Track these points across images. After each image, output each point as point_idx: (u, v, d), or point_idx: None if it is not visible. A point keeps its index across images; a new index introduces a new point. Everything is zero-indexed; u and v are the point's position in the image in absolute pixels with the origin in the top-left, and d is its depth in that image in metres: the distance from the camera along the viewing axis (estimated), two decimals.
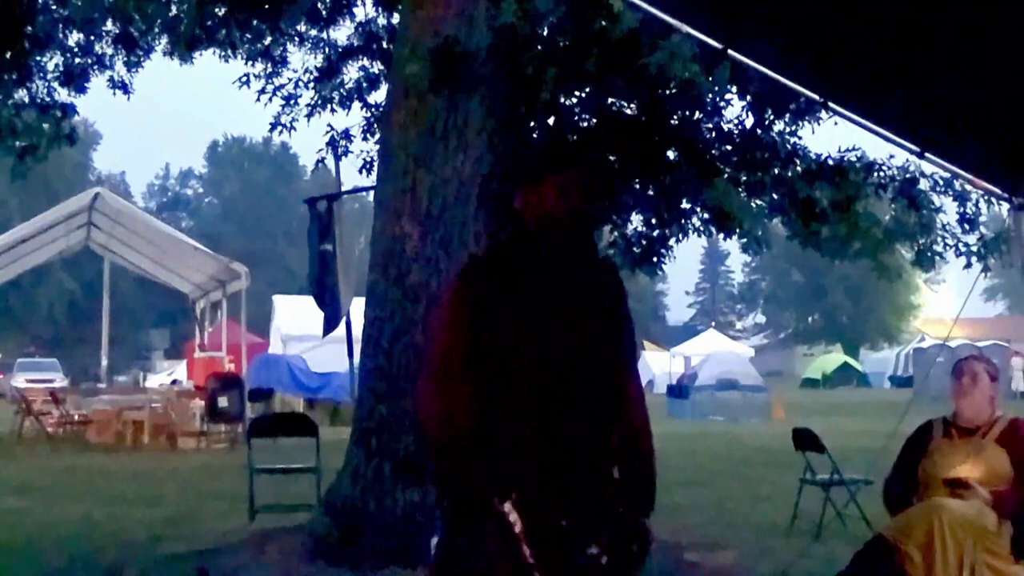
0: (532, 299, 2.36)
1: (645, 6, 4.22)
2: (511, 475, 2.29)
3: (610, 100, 7.96)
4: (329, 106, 9.33)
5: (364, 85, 9.33)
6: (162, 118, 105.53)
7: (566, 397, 2.32)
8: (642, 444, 2.51)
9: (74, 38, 9.04)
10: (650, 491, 2.52)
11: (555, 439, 2.30)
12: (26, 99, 8.93)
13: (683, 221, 8.34)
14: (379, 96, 9.12)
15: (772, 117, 7.82)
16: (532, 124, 7.62)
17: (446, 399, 2.37)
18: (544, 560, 2.22)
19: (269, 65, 9.54)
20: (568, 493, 2.28)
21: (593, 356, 2.36)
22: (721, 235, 8.21)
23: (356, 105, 9.31)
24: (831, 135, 7.58)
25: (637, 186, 8.19)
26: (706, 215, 8.10)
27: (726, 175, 7.58)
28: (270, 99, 9.45)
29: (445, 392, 2.37)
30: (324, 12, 9.30)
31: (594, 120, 8.05)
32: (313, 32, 9.47)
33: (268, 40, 9.33)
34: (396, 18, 8.36)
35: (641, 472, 2.49)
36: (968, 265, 7.64)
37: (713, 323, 58.81)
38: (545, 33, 7.17)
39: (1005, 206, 5.05)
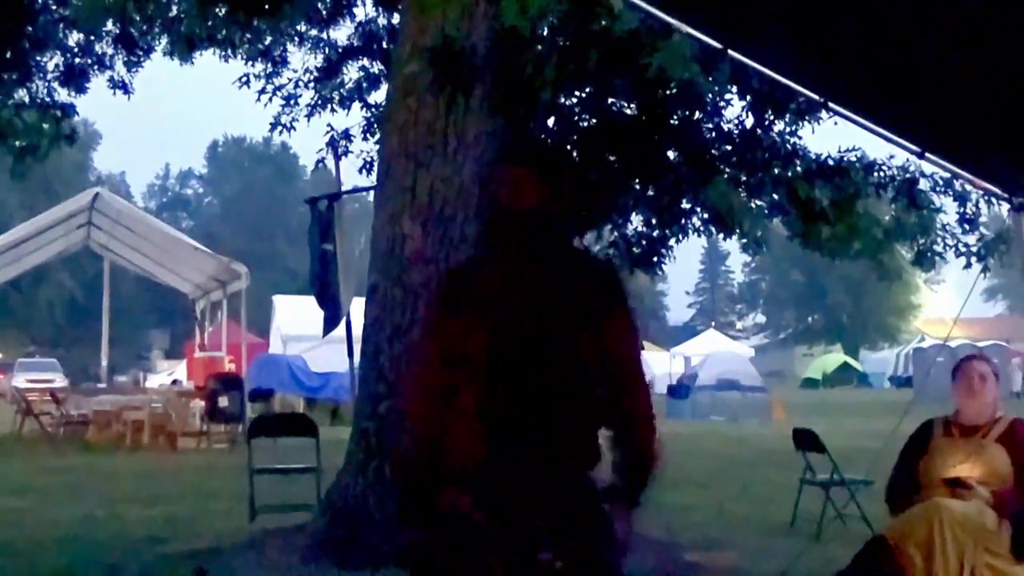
0: (490, 297, 2.33)
1: (645, 6, 4.22)
2: (473, 477, 2.27)
3: (610, 100, 7.96)
4: (329, 106, 9.35)
5: (364, 85, 9.34)
6: (162, 118, 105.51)
7: (524, 398, 2.27)
8: (637, 434, 2.43)
9: (74, 38, 9.05)
10: (637, 481, 2.42)
11: (515, 440, 2.26)
12: (26, 99, 8.94)
13: (683, 221, 8.34)
14: (379, 96, 9.14)
15: (772, 117, 7.82)
16: (532, 124, 7.62)
17: (425, 407, 2.39)
18: (504, 561, 2.20)
19: (269, 65, 9.55)
20: (529, 496, 2.24)
21: (559, 354, 2.29)
22: (721, 235, 8.22)
23: (356, 105, 9.33)
24: (831, 135, 7.59)
25: (637, 186, 8.20)
26: (706, 215, 8.10)
27: (726, 175, 7.58)
28: (270, 99, 9.46)
29: (424, 400, 2.40)
30: (324, 12, 9.31)
31: (594, 120, 8.05)
32: (313, 32, 9.49)
33: (268, 40, 9.34)
34: (396, 18, 8.37)
35: (631, 462, 2.41)
36: (968, 265, 7.65)
37: (713, 323, 58.80)
38: (545, 33, 7.17)
39: (1005, 206, 5.05)
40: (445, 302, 2.43)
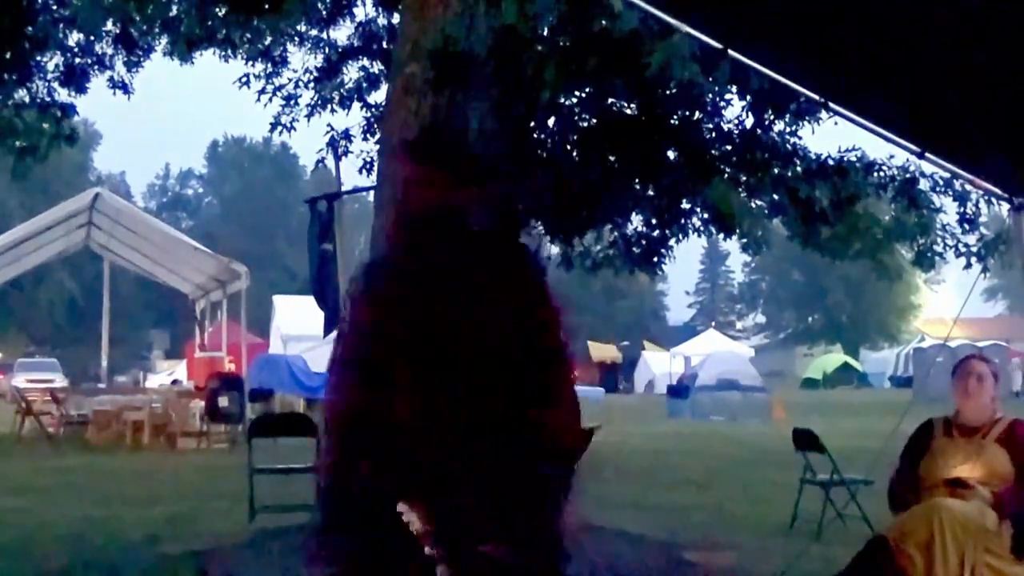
0: (410, 293, 2.33)
1: (645, 6, 4.22)
2: (409, 475, 2.26)
3: (610, 100, 7.96)
4: (329, 106, 9.35)
5: (364, 85, 9.33)
6: (162, 118, 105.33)
7: (453, 392, 2.26)
8: (555, 415, 2.37)
9: (74, 38, 9.05)
10: (559, 463, 2.37)
11: (449, 436, 2.25)
12: (26, 99, 8.94)
13: (683, 221, 8.35)
14: (379, 96, 9.14)
15: (772, 117, 7.82)
16: (532, 124, 7.63)
17: (349, 402, 2.39)
18: (449, 555, 2.20)
19: (269, 65, 9.55)
20: (466, 490, 2.23)
21: (484, 342, 2.28)
22: (721, 235, 8.22)
23: (356, 105, 9.33)
24: (831, 135, 7.59)
25: (637, 186, 8.20)
26: (706, 215, 8.10)
27: (726, 175, 7.58)
28: (270, 99, 9.46)
29: (349, 395, 2.39)
30: (324, 12, 9.31)
31: (594, 120, 8.06)
32: (313, 32, 9.48)
33: (268, 40, 9.33)
34: (396, 18, 8.37)
35: (550, 444, 2.35)
36: (968, 265, 7.65)
37: (713, 323, 58.83)
38: (545, 33, 7.17)
39: (1005, 206, 5.05)
40: (365, 302, 2.41)
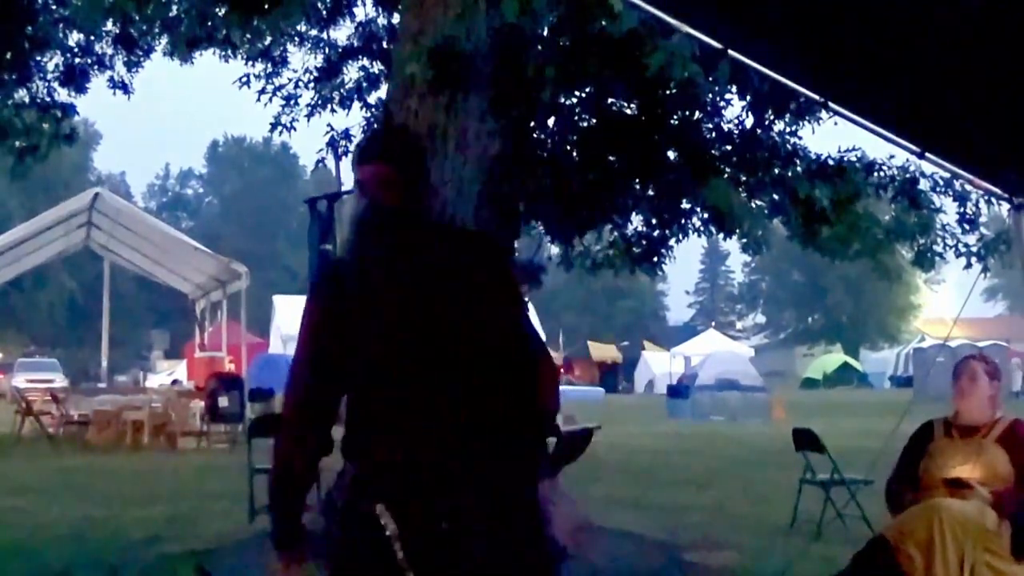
0: (363, 292, 2.32)
1: (645, 6, 4.21)
2: (382, 477, 2.26)
3: (610, 100, 7.96)
4: (329, 106, 9.33)
5: (364, 85, 9.32)
6: (162, 118, 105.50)
7: (416, 389, 2.26)
8: (524, 406, 2.36)
9: (74, 38, 9.05)
10: (520, 458, 2.35)
11: (418, 433, 2.25)
12: (26, 99, 8.94)
13: (683, 221, 8.34)
14: (379, 96, 9.13)
15: (772, 117, 7.82)
16: (532, 124, 7.62)
17: (305, 407, 2.41)
18: (417, 561, 2.19)
19: (269, 65, 9.54)
20: (440, 490, 2.22)
21: (448, 335, 2.28)
22: (721, 235, 8.21)
23: (356, 105, 9.32)
24: (831, 135, 7.59)
25: (637, 186, 8.20)
26: (706, 215, 8.10)
27: (726, 175, 7.58)
28: (270, 99, 9.45)
29: (305, 400, 2.41)
30: (324, 12, 9.30)
31: (594, 120, 8.05)
32: (313, 32, 9.47)
33: (268, 40, 9.33)
34: (396, 18, 8.36)
35: (520, 434, 2.35)
36: (968, 265, 7.65)
37: (713, 323, 58.85)
38: (545, 33, 7.17)
39: (1005, 206, 5.05)
40: (322, 303, 2.39)
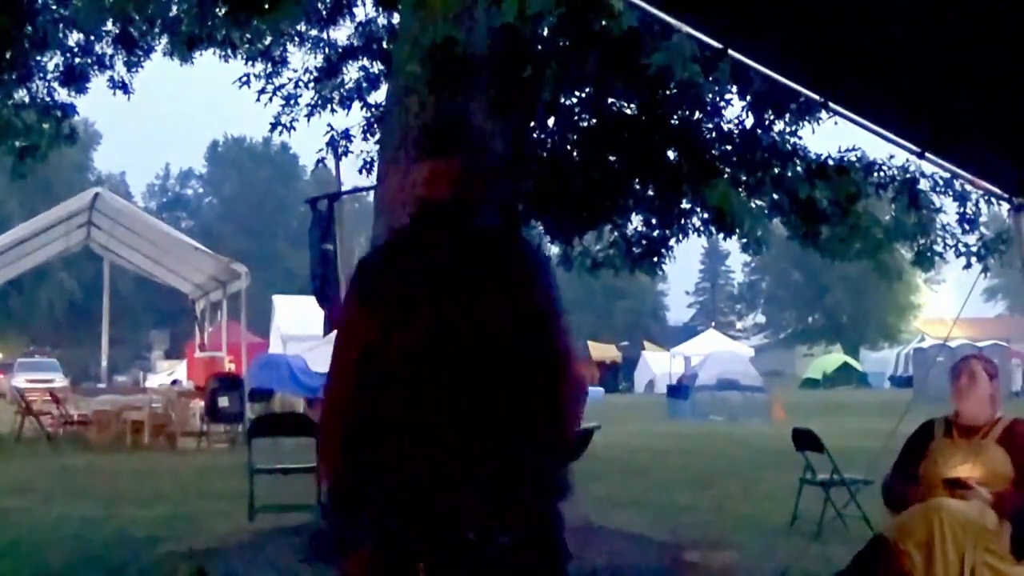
0: (404, 293, 2.28)
1: (645, 6, 4.21)
2: (404, 480, 2.23)
3: (610, 100, 7.96)
4: (329, 106, 9.34)
5: (364, 85, 9.33)
6: (162, 118, 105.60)
7: (450, 389, 2.23)
8: (555, 417, 2.32)
9: (74, 38, 9.05)
10: (542, 474, 2.31)
11: (444, 426, 2.22)
12: (26, 99, 8.94)
13: (683, 221, 8.35)
14: (379, 96, 9.14)
15: (772, 117, 7.82)
16: (532, 124, 7.63)
17: (339, 415, 2.35)
18: (430, 542, 2.18)
19: (269, 65, 9.55)
20: (458, 478, 2.20)
21: (483, 340, 2.24)
22: (721, 235, 8.22)
23: (356, 105, 9.33)
24: (831, 135, 7.60)
25: (637, 186, 8.20)
26: (706, 215, 8.10)
27: (726, 175, 7.58)
28: (270, 99, 9.46)
29: (339, 408, 2.36)
30: (324, 12, 9.31)
31: (594, 120, 8.06)
32: (313, 32, 9.48)
33: (268, 40, 9.33)
34: (396, 18, 8.37)
35: (546, 441, 2.31)
36: (968, 265, 7.65)
37: (713, 323, 58.81)
38: (545, 33, 7.17)
39: (1005, 206, 5.05)
40: (362, 296, 2.36)
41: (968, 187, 7.30)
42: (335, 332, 2.41)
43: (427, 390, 2.24)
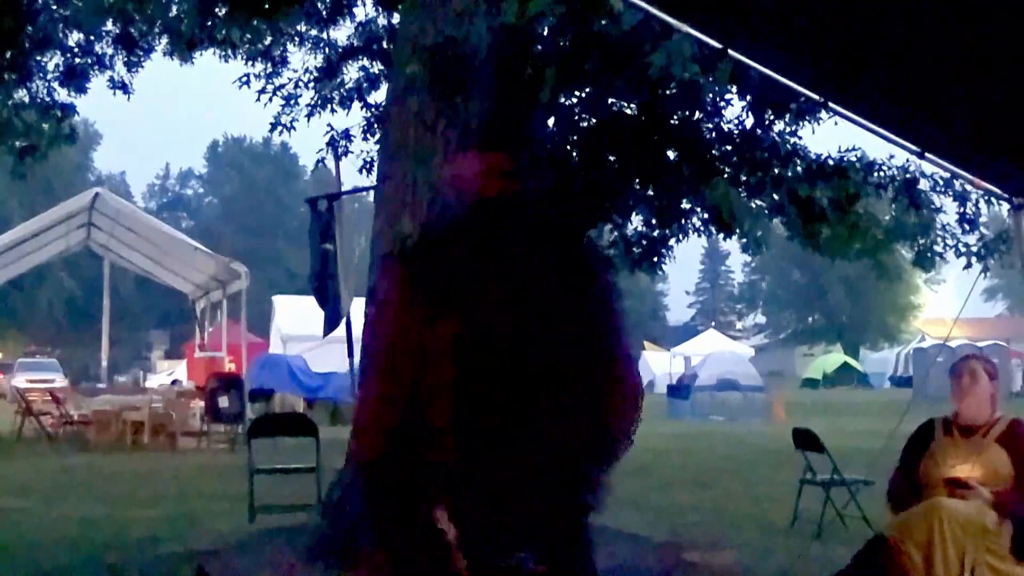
0: (456, 287, 2.20)
1: (645, 6, 4.21)
2: (443, 480, 2.16)
3: (610, 100, 7.96)
4: (329, 106, 9.34)
5: (364, 85, 9.33)
6: (162, 118, 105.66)
7: (499, 395, 2.14)
8: (609, 430, 2.26)
9: (74, 38, 9.05)
10: (584, 478, 2.26)
11: (485, 438, 2.14)
12: (26, 99, 8.95)
13: (683, 221, 8.35)
14: (379, 96, 9.14)
15: (772, 117, 7.82)
16: (532, 124, 7.62)
17: (381, 401, 2.28)
18: (476, 567, 2.11)
19: (269, 65, 9.56)
20: (504, 497, 2.12)
21: (535, 348, 2.16)
22: (721, 235, 8.22)
23: (356, 105, 9.33)
24: (831, 135, 7.60)
25: (637, 186, 8.20)
26: (706, 215, 8.10)
27: (726, 175, 7.58)
28: (270, 99, 9.46)
29: (381, 394, 2.29)
30: (324, 12, 9.31)
31: (594, 120, 8.06)
32: (313, 32, 9.48)
33: (268, 40, 9.34)
34: (396, 18, 8.37)
35: (598, 455, 2.26)
36: (968, 265, 7.65)
37: (713, 323, 58.85)
38: (545, 33, 7.17)
39: (1005, 206, 5.05)
40: (411, 289, 2.28)
41: (968, 187, 7.30)
42: (378, 309, 2.32)
43: (474, 390, 2.16)
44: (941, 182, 7.71)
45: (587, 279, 2.27)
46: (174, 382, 25.66)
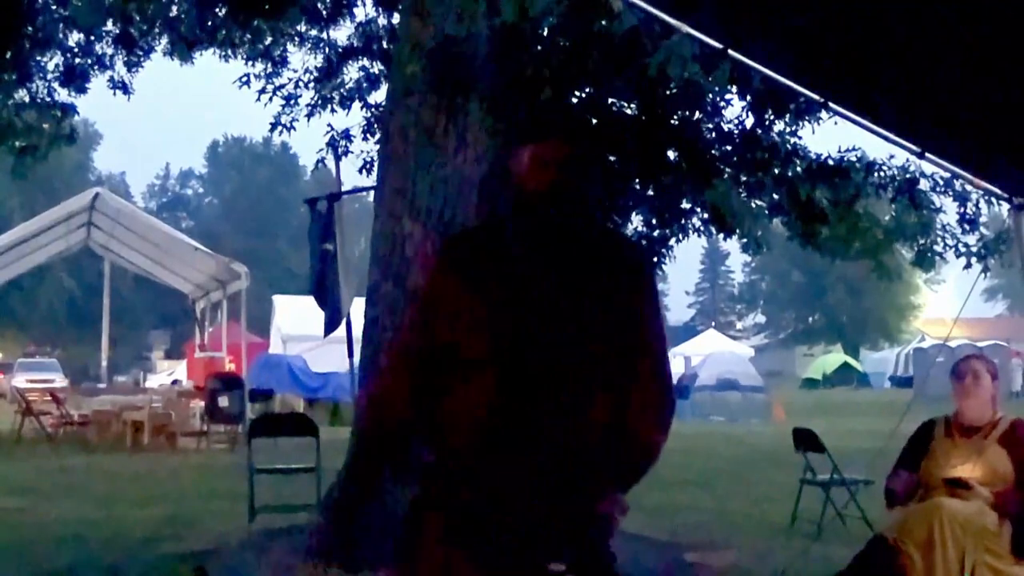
0: (495, 281, 2.15)
1: (645, 6, 4.21)
2: (456, 479, 2.12)
3: (610, 100, 7.96)
4: (329, 106, 9.35)
5: (364, 85, 9.34)
6: (162, 118, 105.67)
7: (521, 391, 2.08)
8: (640, 429, 2.18)
9: (74, 38, 9.06)
10: (631, 475, 2.19)
11: (517, 436, 2.08)
12: (26, 99, 8.95)
13: (683, 221, 8.35)
14: (379, 96, 9.15)
15: (772, 117, 7.83)
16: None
17: (389, 391, 2.28)
18: (506, 570, 2.08)
19: (269, 65, 9.56)
20: (534, 500, 2.07)
21: (566, 343, 2.10)
22: (721, 235, 8.23)
23: (356, 105, 9.34)
24: (831, 135, 7.60)
25: (637, 186, 8.20)
26: (706, 215, 8.11)
27: (726, 175, 7.59)
28: (270, 99, 9.47)
29: (391, 383, 2.28)
30: (324, 12, 9.31)
31: (594, 120, 8.06)
32: (313, 32, 9.49)
33: (268, 40, 9.34)
34: (396, 18, 8.37)
35: (628, 457, 2.18)
36: (968, 265, 7.66)
37: (713, 323, 58.87)
38: (545, 33, 7.18)
39: (1005, 206, 5.05)
40: (451, 265, 2.26)
41: (968, 187, 7.30)
42: (417, 296, 2.28)
43: (503, 386, 2.10)
44: (941, 182, 7.72)
45: (627, 277, 2.23)
46: (174, 382, 25.67)
